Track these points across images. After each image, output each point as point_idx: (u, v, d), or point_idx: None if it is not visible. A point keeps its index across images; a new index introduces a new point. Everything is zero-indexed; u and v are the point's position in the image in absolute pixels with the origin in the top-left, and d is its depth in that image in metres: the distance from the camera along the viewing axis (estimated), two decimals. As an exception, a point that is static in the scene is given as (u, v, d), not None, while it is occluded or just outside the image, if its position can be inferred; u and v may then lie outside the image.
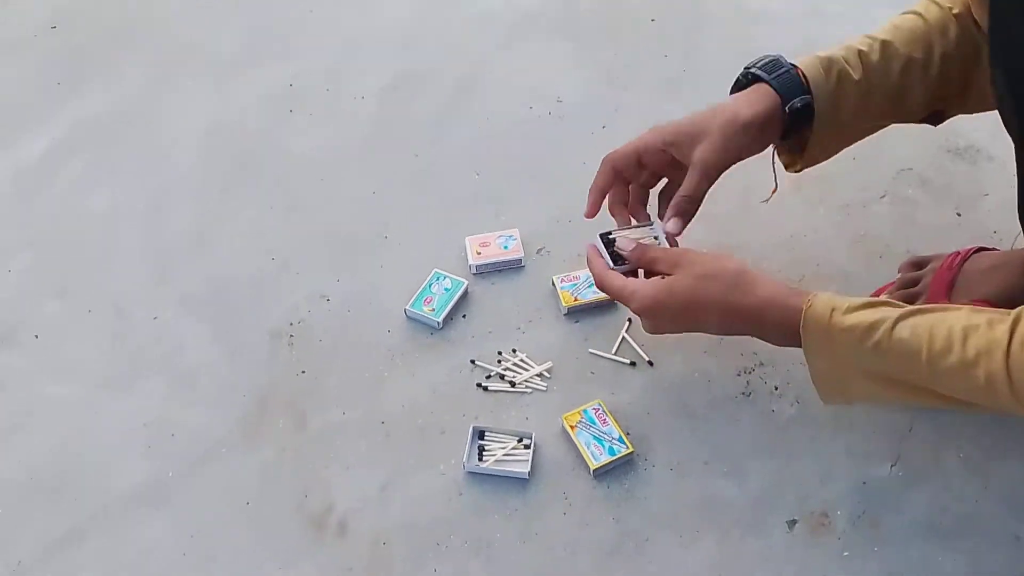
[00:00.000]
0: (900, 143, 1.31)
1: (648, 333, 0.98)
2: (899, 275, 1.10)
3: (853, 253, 1.18)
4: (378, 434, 1.04)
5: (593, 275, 0.99)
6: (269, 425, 1.05)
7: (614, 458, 1.00)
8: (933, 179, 1.26)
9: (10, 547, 0.98)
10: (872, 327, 0.82)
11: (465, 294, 1.15)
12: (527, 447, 1.01)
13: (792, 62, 1.00)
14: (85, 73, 1.48)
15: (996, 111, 0.89)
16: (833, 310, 0.84)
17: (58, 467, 1.03)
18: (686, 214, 1.00)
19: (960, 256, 1.06)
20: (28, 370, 1.12)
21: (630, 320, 1.11)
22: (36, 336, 1.15)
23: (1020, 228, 0.94)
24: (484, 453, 1.01)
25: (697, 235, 1.19)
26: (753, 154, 1.00)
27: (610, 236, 1.00)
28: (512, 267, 1.18)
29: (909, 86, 1.01)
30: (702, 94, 1.38)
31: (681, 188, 0.99)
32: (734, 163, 0.99)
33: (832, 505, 0.97)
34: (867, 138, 1.10)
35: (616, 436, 1.01)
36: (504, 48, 1.49)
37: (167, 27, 1.56)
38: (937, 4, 1.02)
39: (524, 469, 1.00)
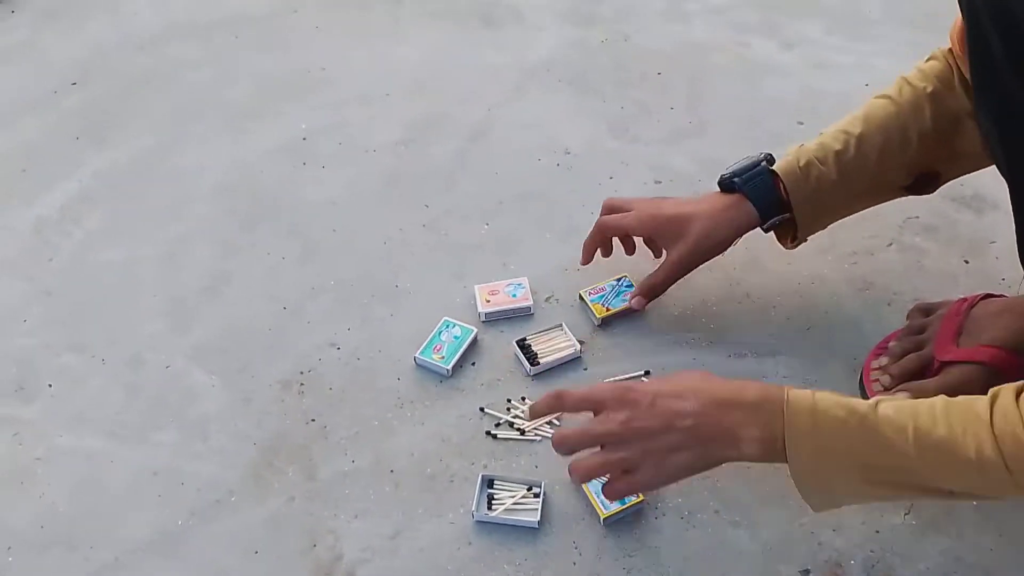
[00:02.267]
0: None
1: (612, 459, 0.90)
2: (907, 322, 1.10)
3: (861, 301, 1.18)
4: (387, 483, 1.04)
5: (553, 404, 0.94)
6: (278, 474, 1.05)
7: (624, 507, 0.99)
8: (940, 227, 1.27)
9: (19, 598, 0.98)
10: (855, 407, 0.83)
11: (474, 342, 1.16)
12: (536, 496, 1.01)
13: (771, 165, 1.07)
14: (103, 127, 1.51)
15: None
16: (815, 394, 0.85)
17: (70, 518, 1.03)
18: (651, 296, 1.13)
19: (967, 302, 1.06)
20: (41, 421, 1.12)
21: (648, 372, 1.11)
22: (50, 386, 1.16)
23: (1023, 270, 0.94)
24: (493, 502, 1.01)
25: (706, 282, 1.20)
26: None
27: (525, 342, 1.02)
28: (521, 315, 1.19)
29: (887, 170, 1.06)
30: (707, 145, 1.41)
31: (652, 275, 1.11)
32: (704, 263, 1.11)
33: (846, 554, 0.96)
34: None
35: (626, 485, 1.01)
36: (513, 100, 1.52)
37: (182, 81, 1.59)
38: (911, 84, 1.05)
39: (534, 518, 0.99)
